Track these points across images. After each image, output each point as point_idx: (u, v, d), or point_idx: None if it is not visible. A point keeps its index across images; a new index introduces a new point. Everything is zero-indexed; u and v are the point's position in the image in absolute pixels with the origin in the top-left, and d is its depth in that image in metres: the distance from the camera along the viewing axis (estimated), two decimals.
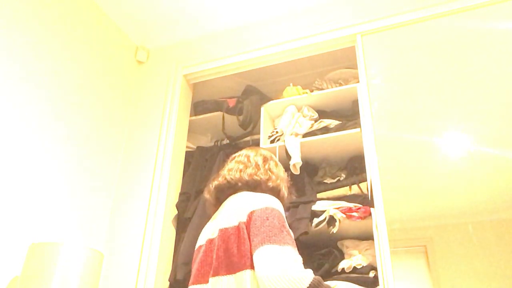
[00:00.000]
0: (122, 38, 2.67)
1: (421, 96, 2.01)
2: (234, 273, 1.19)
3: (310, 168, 2.27)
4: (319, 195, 2.09)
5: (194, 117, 2.69)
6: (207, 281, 1.25)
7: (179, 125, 2.50)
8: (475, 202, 1.74)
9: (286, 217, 1.49)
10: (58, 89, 2.12)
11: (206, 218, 1.63)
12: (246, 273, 1.16)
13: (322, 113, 2.34)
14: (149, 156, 2.39)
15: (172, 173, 2.34)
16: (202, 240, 1.41)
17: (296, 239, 1.74)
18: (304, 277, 1.05)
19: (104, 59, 2.48)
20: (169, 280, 2.11)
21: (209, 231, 1.38)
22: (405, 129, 1.99)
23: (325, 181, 2.14)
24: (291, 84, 2.49)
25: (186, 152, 2.57)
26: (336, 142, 2.16)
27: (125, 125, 2.56)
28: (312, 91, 2.38)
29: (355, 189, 2.05)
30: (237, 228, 1.24)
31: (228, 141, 2.56)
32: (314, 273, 1.12)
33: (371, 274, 1.80)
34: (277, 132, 2.28)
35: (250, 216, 1.24)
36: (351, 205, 1.93)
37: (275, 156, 2.13)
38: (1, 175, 1.76)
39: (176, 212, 2.31)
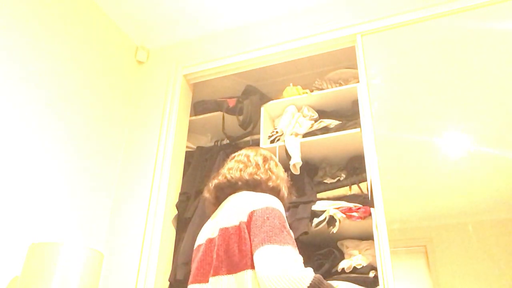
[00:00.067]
0: (122, 38, 2.67)
1: (421, 96, 2.01)
2: (235, 273, 1.19)
3: (310, 168, 2.27)
4: (319, 195, 2.09)
5: (194, 117, 2.69)
6: (207, 281, 1.25)
7: (179, 125, 2.50)
8: (475, 202, 1.74)
9: (286, 217, 1.49)
10: (58, 89, 2.12)
11: (206, 218, 1.63)
12: (247, 273, 1.16)
13: (322, 113, 2.34)
14: (149, 156, 2.39)
15: (172, 173, 2.34)
16: (201, 239, 1.40)
17: (296, 239, 1.74)
18: (304, 276, 1.05)
19: (104, 59, 2.48)
20: (169, 280, 2.11)
21: (209, 230, 1.38)
22: (405, 129, 1.99)
23: (325, 181, 2.14)
24: (291, 84, 2.49)
25: (186, 152, 2.57)
26: (336, 142, 2.16)
27: (125, 125, 2.56)
28: (312, 91, 2.38)
29: (355, 189, 2.05)
30: (238, 227, 1.24)
31: (228, 141, 2.56)
32: (314, 272, 1.12)
33: (371, 274, 1.80)
34: (277, 132, 2.28)
35: (251, 215, 1.24)
36: (351, 205, 1.93)
37: (275, 156, 2.13)
38: (1, 175, 1.76)
39: (176, 212, 2.31)
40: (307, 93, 2.34)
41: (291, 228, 1.45)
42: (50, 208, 1.96)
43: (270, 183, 1.44)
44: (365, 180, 2.02)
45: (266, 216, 1.21)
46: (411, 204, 1.86)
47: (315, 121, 2.27)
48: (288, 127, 2.27)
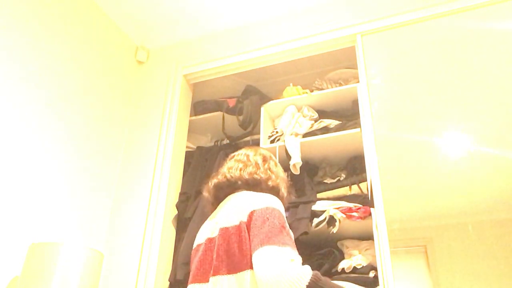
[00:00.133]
0: (122, 38, 2.67)
1: (421, 96, 2.01)
2: (235, 273, 1.18)
3: (310, 168, 2.27)
4: (319, 195, 2.09)
5: (194, 117, 2.69)
6: (207, 280, 1.25)
7: (179, 125, 2.50)
8: (475, 202, 1.74)
9: (286, 217, 1.49)
10: (58, 89, 2.12)
11: (206, 217, 1.63)
12: (248, 273, 1.16)
13: (322, 113, 2.34)
14: (149, 156, 2.39)
15: (172, 173, 2.34)
16: (201, 239, 1.40)
17: (296, 239, 1.74)
18: (302, 276, 1.05)
19: (104, 59, 2.48)
20: (169, 280, 2.11)
21: (208, 230, 1.37)
22: (405, 129, 1.99)
23: (325, 181, 2.14)
24: (291, 84, 2.49)
25: (186, 152, 2.57)
26: (336, 142, 2.16)
27: (125, 125, 2.56)
28: (312, 91, 2.38)
29: (355, 189, 2.05)
30: (238, 227, 1.24)
31: (228, 141, 2.56)
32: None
33: (371, 274, 1.80)
34: (277, 132, 2.27)
35: (251, 215, 1.24)
36: (351, 205, 1.93)
37: (275, 156, 2.13)
38: (1, 175, 1.76)
39: (176, 212, 2.31)
40: (307, 93, 2.34)
41: (291, 228, 1.45)
42: (50, 208, 1.96)
43: (270, 183, 1.44)
44: (365, 180, 2.02)
45: (266, 216, 1.21)
46: (411, 204, 1.86)
47: (315, 121, 2.27)
48: (288, 127, 2.27)
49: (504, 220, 1.67)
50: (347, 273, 1.83)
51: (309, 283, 1.04)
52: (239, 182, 1.42)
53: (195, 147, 2.67)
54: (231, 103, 2.53)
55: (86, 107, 2.28)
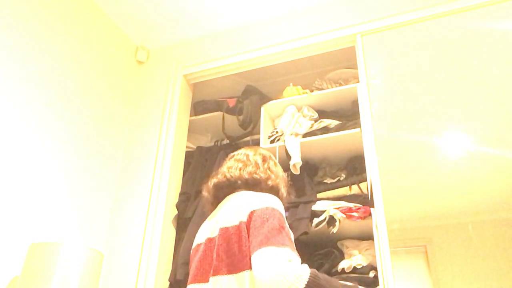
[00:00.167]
0: (122, 38, 2.67)
1: (421, 96, 2.01)
2: (236, 273, 1.18)
3: (310, 168, 2.27)
4: (319, 195, 2.09)
5: (194, 117, 2.69)
6: (207, 280, 1.25)
7: (179, 125, 2.50)
8: (475, 202, 1.74)
9: (286, 217, 1.49)
10: (58, 89, 2.12)
11: (206, 217, 1.63)
12: (248, 274, 1.16)
13: (322, 113, 2.34)
14: (149, 156, 2.39)
15: (172, 173, 2.34)
16: (200, 238, 1.40)
17: (296, 239, 1.74)
18: (300, 276, 1.05)
19: (104, 59, 2.48)
20: (169, 280, 2.11)
21: (208, 230, 1.37)
22: (405, 129, 1.99)
23: (325, 181, 2.14)
24: (291, 84, 2.49)
25: (186, 152, 2.57)
26: (336, 142, 2.16)
27: (125, 125, 2.56)
28: (312, 91, 2.38)
29: (355, 189, 2.05)
30: (238, 227, 1.24)
31: (228, 141, 2.56)
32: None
33: (371, 274, 1.80)
34: (277, 132, 2.28)
35: (251, 215, 1.24)
36: (351, 205, 1.93)
37: (275, 156, 2.13)
38: (1, 175, 1.76)
39: (176, 212, 2.31)
40: (307, 93, 2.34)
41: (291, 228, 1.45)
42: (50, 208, 1.96)
43: (270, 182, 1.44)
44: (365, 180, 2.02)
45: (266, 217, 1.21)
46: (411, 204, 1.86)
47: (315, 121, 2.27)
48: (288, 127, 2.27)
49: (504, 220, 1.67)
50: (347, 273, 1.83)
51: (307, 282, 1.04)
52: (239, 182, 1.42)
53: (195, 147, 2.67)
54: (231, 103, 2.53)
55: (86, 107, 2.28)
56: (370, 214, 1.86)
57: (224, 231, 1.26)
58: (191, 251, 1.44)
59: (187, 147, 2.61)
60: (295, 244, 1.38)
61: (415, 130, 1.96)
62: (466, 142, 1.85)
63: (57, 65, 2.14)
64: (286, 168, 2.09)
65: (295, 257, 1.11)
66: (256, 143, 2.44)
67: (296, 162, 2.07)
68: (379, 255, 1.71)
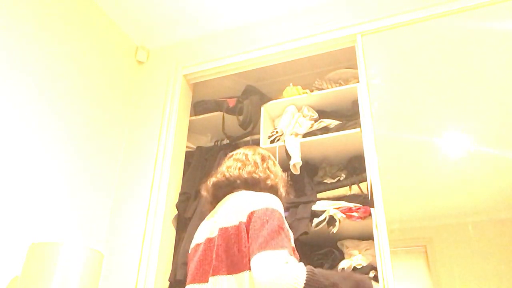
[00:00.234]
0: (122, 38, 2.67)
1: (421, 96, 2.01)
2: (235, 273, 1.18)
3: (310, 168, 2.27)
4: (319, 195, 2.08)
5: (194, 117, 2.69)
6: (206, 280, 1.25)
7: (179, 125, 2.50)
8: (475, 202, 1.74)
9: (286, 217, 1.49)
10: (58, 89, 2.12)
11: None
12: (247, 274, 1.16)
13: (322, 113, 2.34)
14: (149, 156, 2.39)
15: (172, 173, 2.34)
16: (199, 238, 1.39)
17: (296, 239, 1.74)
18: (298, 277, 1.06)
19: (104, 59, 2.48)
20: (169, 280, 2.11)
21: (207, 230, 1.37)
22: (405, 129, 1.99)
23: (325, 181, 2.14)
24: (291, 84, 2.49)
25: (186, 152, 2.57)
26: (336, 142, 2.16)
27: (125, 125, 2.56)
28: (312, 91, 2.38)
29: (355, 189, 2.05)
30: (238, 228, 1.24)
31: (228, 141, 2.56)
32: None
33: (371, 274, 1.80)
34: (277, 132, 2.28)
35: (251, 216, 1.23)
36: (351, 205, 1.93)
37: (275, 156, 2.13)
38: (1, 175, 1.76)
39: (176, 212, 2.31)
40: (307, 93, 2.34)
41: (291, 228, 1.45)
42: (50, 208, 1.96)
43: (269, 182, 1.44)
44: (365, 180, 2.02)
45: (266, 218, 1.21)
46: (411, 204, 1.86)
47: (315, 121, 2.27)
48: (288, 127, 2.27)
49: (504, 220, 1.67)
50: None
51: (306, 280, 1.05)
52: (238, 181, 1.42)
53: (195, 147, 2.67)
54: (231, 103, 2.53)
55: (86, 107, 2.28)
56: (370, 214, 1.86)
57: (224, 231, 1.26)
58: (190, 251, 1.43)
59: (187, 147, 2.61)
60: (295, 244, 1.39)
61: (415, 130, 1.96)
62: (466, 142, 1.85)
63: (57, 65, 2.14)
64: (286, 168, 2.09)
65: (292, 258, 1.12)
66: (256, 143, 2.44)
67: (296, 162, 2.07)
68: (379, 255, 1.71)
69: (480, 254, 1.64)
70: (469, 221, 1.72)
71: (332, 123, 2.22)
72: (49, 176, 1.98)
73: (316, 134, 2.20)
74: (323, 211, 1.94)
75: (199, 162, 2.52)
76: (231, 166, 1.47)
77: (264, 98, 2.46)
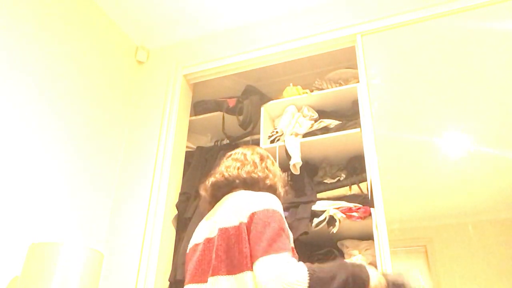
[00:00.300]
0: (122, 38, 2.67)
1: (421, 96, 2.01)
2: (235, 273, 1.18)
3: (310, 168, 2.27)
4: (319, 195, 2.08)
5: (194, 117, 2.69)
6: (205, 281, 1.24)
7: (179, 125, 2.50)
8: (475, 202, 1.74)
9: (286, 217, 1.49)
10: (58, 89, 2.12)
11: None
12: (247, 275, 1.16)
13: (322, 113, 2.34)
14: (149, 156, 2.39)
15: (172, 173, 2.34)
16: (198, 238, 1.39)
17: (296, 239, 1.74)
18: (301, 277, 1.06)
19: (104, 59, 2.48)
20: (169, 280, 2.11)
21: (207, 230, 1.37)
22: (405, 129, 1.99)
23: (325, 181, 2.14)
24: (291, 84, 2.49)
25: (186, 152, 2.57)
26: (336, 142, 2.15)
27: (125, 125, 2.56)
28: (312, 91, 2.38)
29: (355, 189, 2.05)
30: (238, 228, 1.23)
31: (228, 141, 2.56)
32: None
33: None
34: (277, 132, 2.27)
35: (252, 217, 1.23)
36: (351, 205, 1.93)
37: (275, 156, 2.13)
38: (1, 175, 1.76)
39: (176, 212, 2.31)
40: (307, 93, 2.34)
41: (291, 228, 1.45)
42: (50, 208, 1.96)
43: (268, 181, 1.44)
44: (365, 180, 2.02)
45: (268, 220, 1.21)
46: (411, 204, 1.86)
47: (315, 121, 2.27)
48: (288, 127, 2.27)
49: (504, 220, 1.68)
50: None
51: (308, 280, 1.05)
52: (237, 181, 1.42)
53: (195, 147, 2.67)
54: (231, 103, 2.53)
55: (86, 107, 2.28)
56: (370, 214, 1.86)
57: (224, 232, 1.26)
58: (188, 251, 1.43)
59: (187, 147, 2.61)
60: (295, 244, 1.39)
61: (415, 130, 1.96)
62: (466, 142, 1.85)
63: (57, 65, 2.14)
64: (286, 168, 2.09)
65: (292, 259, 1.12)
66: (256, 143, 2.44)
67: (296, 162, 2.07)
68: (379, 255, 1.71)
69: (480, 254, 1.64)
70: (469, 221, 1.72)
71: (332, 123, 2.22)
72: (49, 176, 1.98)
73: (316, 134, 2.20)
74: (323, 211, 1.94)
75: (199, 162, 2.52)
76: (230, 166, 1.47)
77: (264, 98, 2.46)
